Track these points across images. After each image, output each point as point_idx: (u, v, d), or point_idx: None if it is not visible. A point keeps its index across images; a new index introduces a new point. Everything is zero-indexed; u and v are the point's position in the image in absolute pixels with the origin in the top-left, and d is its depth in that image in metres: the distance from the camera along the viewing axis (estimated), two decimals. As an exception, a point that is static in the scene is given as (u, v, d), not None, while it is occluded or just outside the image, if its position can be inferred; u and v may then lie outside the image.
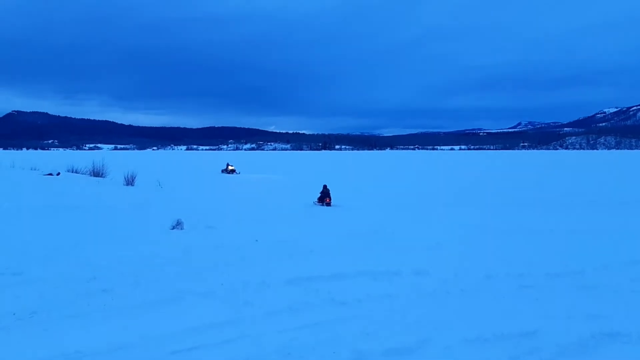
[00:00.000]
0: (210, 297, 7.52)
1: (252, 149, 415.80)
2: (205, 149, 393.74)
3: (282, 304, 7.22)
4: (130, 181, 28.24)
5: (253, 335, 6.06)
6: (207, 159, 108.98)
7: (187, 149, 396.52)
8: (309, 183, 33.79)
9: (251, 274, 8.76)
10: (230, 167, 48.76)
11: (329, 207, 21.29)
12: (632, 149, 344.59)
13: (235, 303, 7.26)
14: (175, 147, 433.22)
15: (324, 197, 22.16)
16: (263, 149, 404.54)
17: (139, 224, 14.50)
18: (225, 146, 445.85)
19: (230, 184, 35.66)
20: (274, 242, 12.00)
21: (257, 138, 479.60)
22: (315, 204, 22.40)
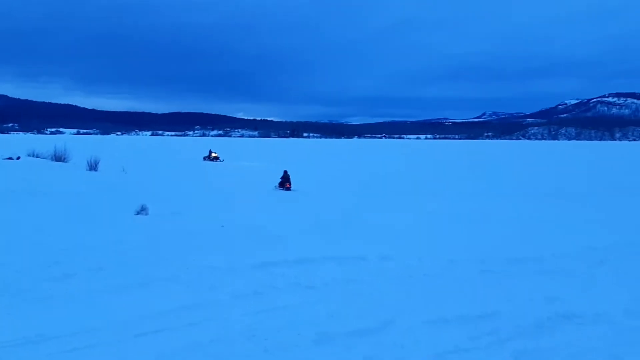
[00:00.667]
0: (175, 281, 7.51)
1: (219, 135, 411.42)
2: (171, 135, 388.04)
3: (248, 288, 7.26)
4: (93, 166, 27.69)
5: (218, 318, 6.09)
6: (174, 145, 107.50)
7: (152, 135, 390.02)
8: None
9: (217, 259, 8.76)
10: (213, 154, 47.11)
11: (291, 192, 21.62)
12: (591, 139, 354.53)
13: (201, 287, 7.27)
14: (140, 132, 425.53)
15: (284, 182, 23.11)
16: (230, 136, 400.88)
17: (103, 210, 14.28)
18: (191, 132, 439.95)
19: (199, 171, 35.28)
20: (241, 228, 12.01)
21: (224, 125, 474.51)
22: (276, 188, 23.22)
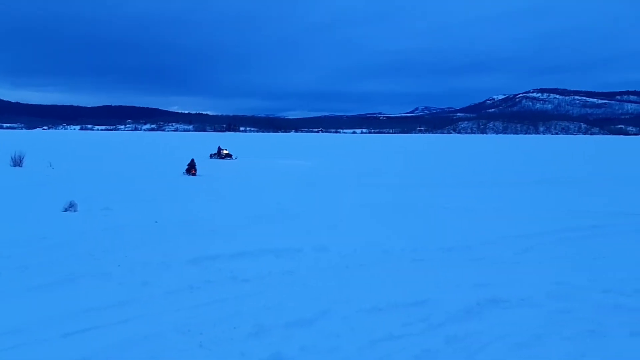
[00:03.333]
0: (105, 278, 7.28)
1: (152, 129, 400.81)
2: (101, 129, 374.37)
3: (182, 283, 7.14)
4: (17, 162, 26.39)
5: (151, 314, 5.96)
6: (104, 139, 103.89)
7: (81, 129, 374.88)
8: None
9: (150, 255, 8.56)
10: (224, 152, 41.70)
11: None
12: (517, 133, 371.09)
13: (133, 284, 7.08)
14: (68, 126, 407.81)
15: (191, 169, 25.40)
16: (164, 130, 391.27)
17: (28, 207, 13.64)
18: (122, 126, 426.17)
19: (140, 165, 34.20)
20: (176, 223, 11.78)
21: (157, 118, 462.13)
22: (184, 174, 25.28)
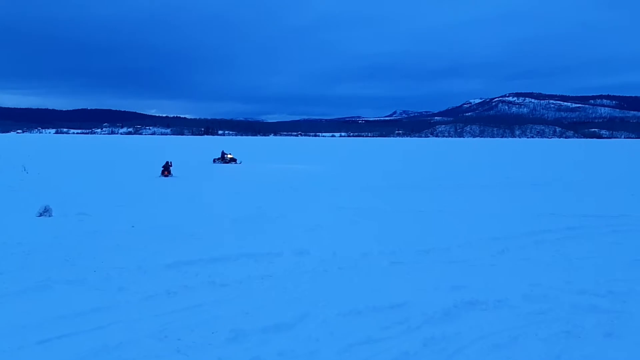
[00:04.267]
0: (81, 284, 7.17)
1: (129, 133, 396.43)
2: (77, 133, 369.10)
3: (159, 288, 7.06)
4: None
5: (128, 320, 5.88)
6: (80, 143, 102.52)
7: (57, 133, 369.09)
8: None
9: (127, 260, 8.47)
10: (228, 156, 39.90)
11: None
12: (493, 137, 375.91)
13: (109, 289, 6.99)
14: (43, 130, 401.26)
15: (164, 171, 27.08)
16: (141, 133, 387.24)
17: (1, 212, 13.38)
18: (99, 130, 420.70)
19: (117, 171, 33.73)
20: (153, 227, 11.66)
21: (134, 122, 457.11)
22: (160, 176, 26.69)
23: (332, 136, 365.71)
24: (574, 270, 8.30)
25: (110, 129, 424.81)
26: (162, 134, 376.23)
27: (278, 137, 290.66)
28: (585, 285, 7.40)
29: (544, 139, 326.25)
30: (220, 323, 5.85)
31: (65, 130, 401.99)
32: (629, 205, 16.27)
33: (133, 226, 11.73)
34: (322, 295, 6.88)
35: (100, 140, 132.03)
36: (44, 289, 6.89)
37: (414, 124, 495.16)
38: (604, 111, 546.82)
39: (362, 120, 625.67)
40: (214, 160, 40.24)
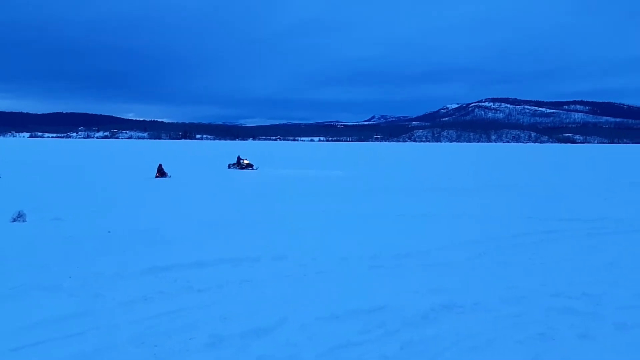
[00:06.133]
0: (56, 290, 7.05)
1: (105, 137, 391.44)
2: (52, 137, 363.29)
3: (136, 294, 6.98)
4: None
5: (104, 326, 5.80)
6: (55, 147, 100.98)
7: (31, 136, 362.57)
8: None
9: (103, 266, 8.35)
10: (245, 162, 38.45)
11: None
12: (470, 141, 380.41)
13: (85, 295, 6.88)
14: (17, 134, 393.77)
15: (158, 173, 29.46)
16: (117, 138, 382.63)
17: (-28, 217, 13.08)
18: (74, 134, 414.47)
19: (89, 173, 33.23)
20: (130, 232, 11.53)
21: (111, 126, 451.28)
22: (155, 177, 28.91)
23: (311, 140, 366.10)
24: (550, 273, 8.42)
25: (86, 133, 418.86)
26: (138, 138, 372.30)
27: (257, 141, 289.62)
28: (561, 288, 7.51)
29: (520, 143, 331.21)
30: (199, 329, 5.80)
31: (40, 134, 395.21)
32: (602, 209, 16.57)
33: (109, 231, 11.58)
34: (301, 300, 6.87)
35: (76, 144, 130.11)
36: (19, 295, 6.76)
37: (392, 129, 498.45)
38: (577, 116, 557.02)
39: (341, 124, 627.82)
40: (229, 166, 39.07)
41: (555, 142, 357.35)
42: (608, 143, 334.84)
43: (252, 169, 37.84)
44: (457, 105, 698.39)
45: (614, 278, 8.11)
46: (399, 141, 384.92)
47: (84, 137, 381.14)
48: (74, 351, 5.13)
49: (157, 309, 6.45)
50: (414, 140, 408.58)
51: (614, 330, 5.91)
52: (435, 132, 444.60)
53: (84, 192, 20.93)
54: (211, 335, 5.59)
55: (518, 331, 5.87)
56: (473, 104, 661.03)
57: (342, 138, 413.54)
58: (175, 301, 6.78)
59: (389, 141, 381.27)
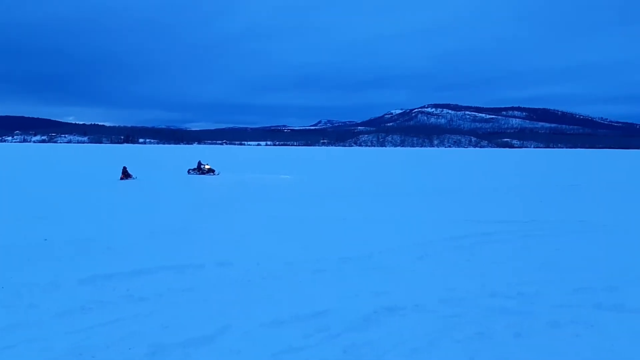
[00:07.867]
0: (-13, 302, 6.73)
1: (43, 141, 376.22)
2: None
3: (73, 304, 6.76)
4: None
5: (39, 338, 5.59)
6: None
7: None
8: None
9: (38, 275, 8.04)
10: (206, 167, 37.09)
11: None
12: (413, 146, 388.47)
13: (19, 307, 6.61)
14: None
15: (122, 174, 30.93)
16: (56, 142, 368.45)
17: None
18: (10, 138, 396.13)
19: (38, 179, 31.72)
20: (68, 240, 11.13)
21: (49, 129, 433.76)
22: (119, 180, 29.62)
23: (258, 145, 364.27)
24: (488, 274, 8.71)
25: (23, 137, 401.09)
26: (78, 142, 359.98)
27: (203, 145, 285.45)
28: (498, 288, 7.79)
29: (461, 148, 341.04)
30: (138, 338, 5.67)
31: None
32: (538, 211, 17.28)
33: (45, 239, 11.15)
34: (245, 306, 6.84)
35: (11, 149, 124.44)
36: (-55, 308, 6.42)
37: (339, 134, 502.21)
38: (515, 122, 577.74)
39: (288, 129, 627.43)
40: (189, 171, 37.43)
41: (494, 147, 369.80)
42: (544, 148, 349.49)
43: (214, 174, 36.85)
44: (401, 111, 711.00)
45: (548, 277, 8.48)
46: (345, 146, 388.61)
47: (20, 141, 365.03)
48: (6, 366, 4.92)
49: (95, 319, 6.27)
50: (360, 145, 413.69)
51: (547, 329, 6.18)
52: (380, 137, 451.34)
53: (18, 198, 20.04)
54: (151, 344, 5.48)
55: (457, 331, 6.05)
56: (416, 110, 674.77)
57: (289, 142, 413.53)
58: (114, 311, 6.60)
59: (335, 146, 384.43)
